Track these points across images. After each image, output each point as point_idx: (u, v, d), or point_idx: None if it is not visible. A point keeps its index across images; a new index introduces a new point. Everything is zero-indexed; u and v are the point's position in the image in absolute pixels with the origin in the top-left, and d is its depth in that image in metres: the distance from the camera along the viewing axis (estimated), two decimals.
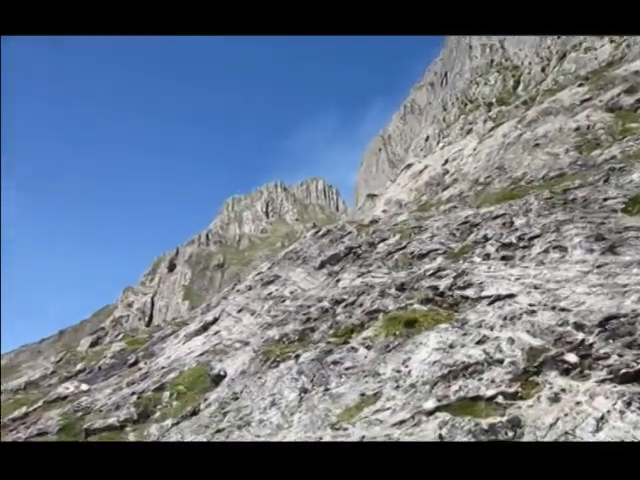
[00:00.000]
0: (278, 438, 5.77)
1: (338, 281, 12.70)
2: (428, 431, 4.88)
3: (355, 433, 5.23)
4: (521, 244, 9.69)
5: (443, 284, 8.77)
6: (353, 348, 7.65)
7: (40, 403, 12.42)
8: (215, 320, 14.19)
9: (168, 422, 8.10)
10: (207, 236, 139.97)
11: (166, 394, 9.57)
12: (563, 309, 6.36)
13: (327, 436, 5.32)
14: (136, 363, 14.50)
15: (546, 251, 8.87)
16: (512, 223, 11.17)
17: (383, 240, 14.79)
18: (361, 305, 9.56)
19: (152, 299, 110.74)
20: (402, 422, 5.21)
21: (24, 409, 12.35)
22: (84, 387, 13.10)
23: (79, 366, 18.30)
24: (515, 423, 4.67)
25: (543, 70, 45.56)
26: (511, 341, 6.00)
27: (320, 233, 19.11)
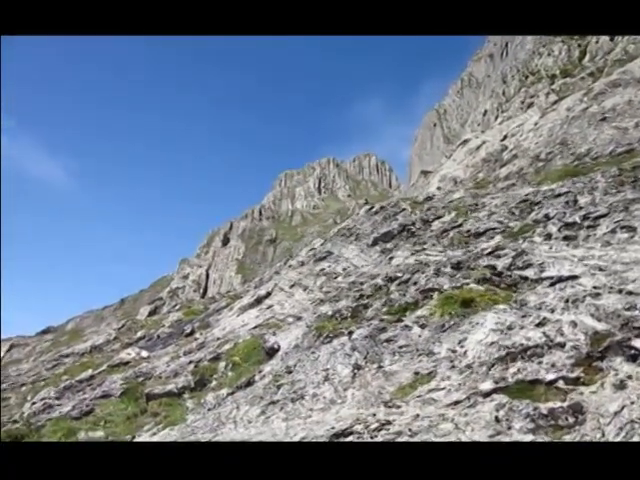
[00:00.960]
0: (331, 413, 5.83)
1: (391, 258, 12.59)
2: (484, 413, 4.80)
3: (409, 411, 5.22)
4: (586, 224, 9.25)
5: (501, 264, 8.53)
6: (407, 326, 7.60)
7: (104, 367, 13.09)
8: (268, 294, 14.41)
9: (224, 391, 8.36)
10: (260, 211, 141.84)
11: (222, 364, 9.87)
12: (631, 292, 6.06)
13: (380, 413, 5.33)
14: (192, 333, 14.99)
15: (613, 231, 8.43)
16: (576, 201, 10.68)
17: (438, 218, 14.51)
18: (415, 283, 9.45)
19: (207, 272, 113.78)
20: (457, 402, 5.15)
21: (90, 371, 13.07)
22: (144, 354, 13.70)
23: (139, 334, 19.11)
24: (577, 409, 4.52)
25: (612, 39, 42.87)
26: (573, 324, 5.78)
27: (373, 210, 18.95)
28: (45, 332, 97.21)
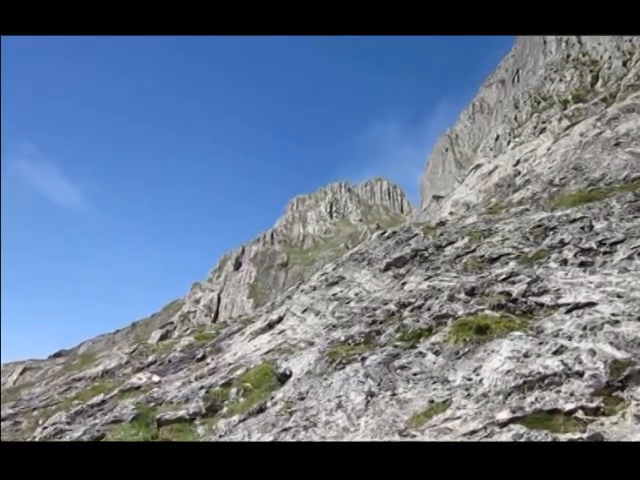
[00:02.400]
0: (344, 441, 5.73)
1: (404, 284, 12.52)
2: None
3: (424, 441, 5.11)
4: (602, 249, 9.16)
5: (516, 290, 8.43)
6: (421, 353, 7.50)
7: (116, 391, 13.05)
8: (280, 319, 14.37)
9: (235, 418, 8.26)
10: (272, 235, 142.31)
11: (233, 390, 9.79)
12: None
13: None
14: (204, 358, 14.94)
15: (630, 257, 8.33)
16: (592, 227, 10.59)
17: (451, 243, 14.45)
18: (429, 309, 9.37)
19: (218, 296, 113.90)
20: (473, 432, 5.04)
21: (101, 396, 13.03)
22: (155, 379, 13.65)
23: (151, 358, 19.08)
24: (597, 440, 4.40)
25: (625, 64, 43.02)
26: (592, 352, 5.67)
27: (386, 235, 18.94)
28: (57, 355, 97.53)
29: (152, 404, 10.55)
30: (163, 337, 72.77)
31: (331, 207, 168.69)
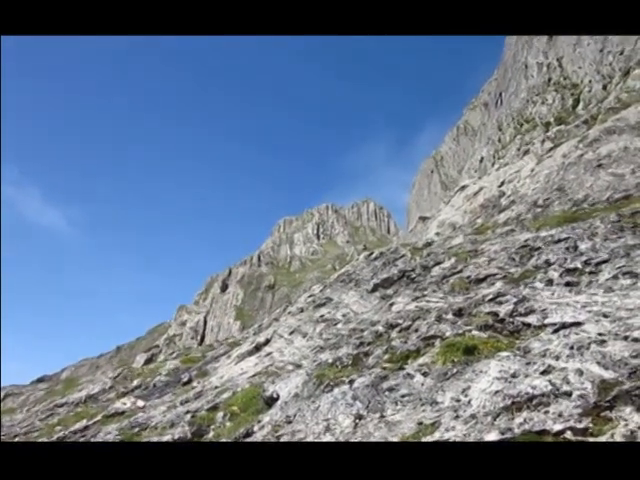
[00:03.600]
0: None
1: (392, 305, 12.51)
2: None
3: None
4: (587, 269, 9.25)
5: (503, 310, 8.46)
6: (409, 374, 7.46)
7: (99, 417, 12.77)
8: (267, 341, 14.25)
9: None
10: (259, 257, 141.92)
11: (220, 414, 9.63)
12: (636, 339, 5.98)
13: None
14: (190, 382, 14.72)
15: (615, 277, 8.41)
16: (576, 247, 10.71)
17: (438, 263, 14.51)
18: (417, 330, 9.35)
19: (205, 318, 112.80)
20: None
21: (84, 422, 12.74)
22: (140, 403, 13.39)
23: (135, 382, 18.75)
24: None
25: (605, 88, 44.05)
26: (579, 372, 5.68)
27: (373, 256, 18.98)
28: (40, 381, 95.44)
29: (136, 429, 10.33)
30: (148, 361, 71.64)
31: (318, 229, 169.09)
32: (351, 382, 7.88)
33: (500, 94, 73.49)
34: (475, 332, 8.06)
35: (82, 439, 11.08)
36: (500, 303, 8.90)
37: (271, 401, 8.95)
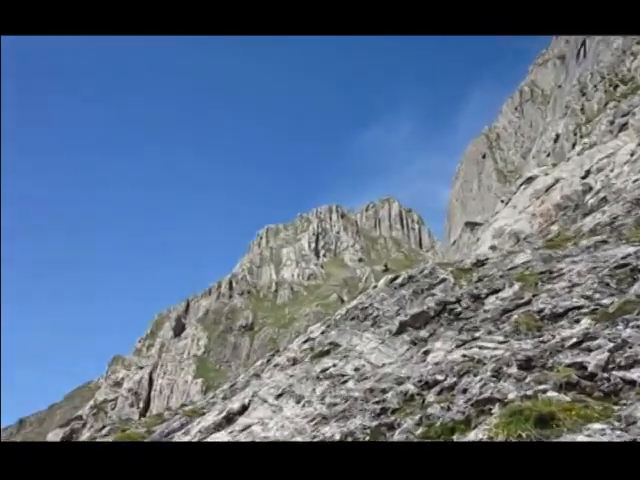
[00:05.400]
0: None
1: (427, 353, 12.53)
2: None
3: None
4: None
5: (593, 361, 8.45)
6: None
7: None
8: (244, 409, 14.24)
9: None
10: (230, 284, 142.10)
11: None
12: None
13: None
14: None
15: None
16: None
17: (495, 292, 14.54)
18: (465, 391, 9.35)
19: (150, 375, 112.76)
20: None
21: None
22: None
23: None
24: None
25: None
26: None
27: (398, 281, 19.01)
28: None
29: None
30: (67, 438, 71.48)
31: (317, 241, 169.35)
32: None
33: (583, 43, 74.06)
34: (552, 393, 8.05)
35: None
36: (588, 350, 8.89)
37: None
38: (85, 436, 63.46)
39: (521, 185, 36.30)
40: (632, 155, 26.60)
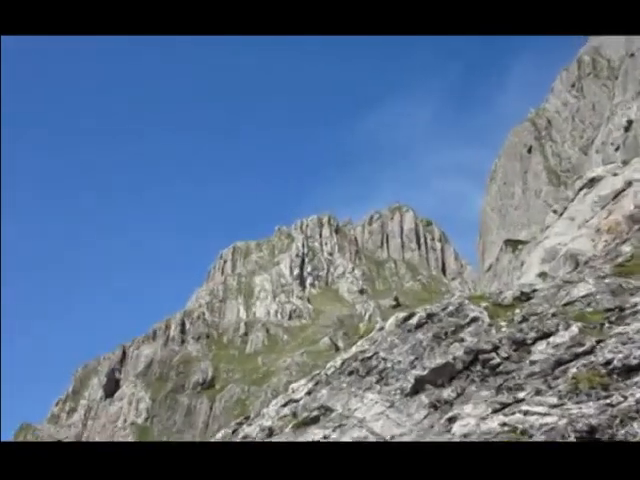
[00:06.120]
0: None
1: (452, 421, 12.49)
2: None
3: None
4: None
5: None
6: None
7: None
8: None
9: None
10: (182, 325, 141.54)
11: None
12: None
13: None
14: None
15: None
16: None
17: (545, 336, 14.54)
18: None
19: None
20: None
21: None
22: None
23: None
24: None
25: None
26: None
27: (413, 321, 18.98)
28: None
29: None
30: None
31: (302, 265, 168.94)
32: None
33: None
34: None
35: None
36: None
37: None
38: None
39: (581, 189, 36.44)
40: None
